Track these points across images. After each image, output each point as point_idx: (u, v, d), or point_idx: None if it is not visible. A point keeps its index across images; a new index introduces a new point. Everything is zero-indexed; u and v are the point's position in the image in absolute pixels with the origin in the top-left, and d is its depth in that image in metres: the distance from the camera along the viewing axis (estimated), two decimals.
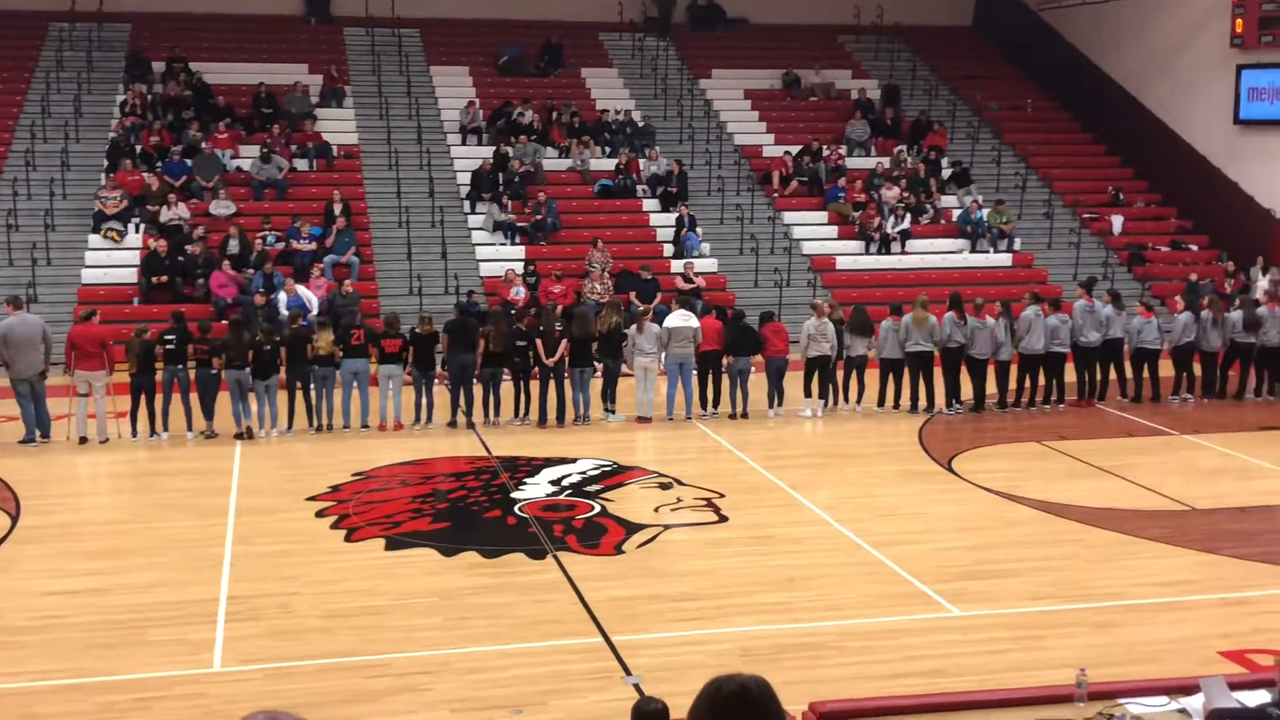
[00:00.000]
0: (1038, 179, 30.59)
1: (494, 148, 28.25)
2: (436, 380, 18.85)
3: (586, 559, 12.89)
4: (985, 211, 28.08)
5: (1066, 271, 27.11)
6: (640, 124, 30.11)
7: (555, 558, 12.86)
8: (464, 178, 27.92)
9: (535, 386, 18.90)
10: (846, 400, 19.65)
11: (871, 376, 19.65)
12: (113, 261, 24.91)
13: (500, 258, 25.98)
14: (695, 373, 19.28)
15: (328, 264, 24.62)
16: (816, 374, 19.29)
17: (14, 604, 11.68)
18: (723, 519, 14.28)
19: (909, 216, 27.91)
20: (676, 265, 25.82)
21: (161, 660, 10.37)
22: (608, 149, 29.38)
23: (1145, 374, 20.42)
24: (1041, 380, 19.93)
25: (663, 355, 19.30)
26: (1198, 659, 10.13)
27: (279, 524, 14.10)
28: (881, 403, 19.64)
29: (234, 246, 24.43)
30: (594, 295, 24.17)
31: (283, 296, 22.68)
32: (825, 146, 29.81)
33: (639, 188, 28.38)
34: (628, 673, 10.06)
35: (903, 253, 27.50)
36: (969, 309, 19.54)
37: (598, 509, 14.59)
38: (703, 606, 11.57)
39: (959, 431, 18.71)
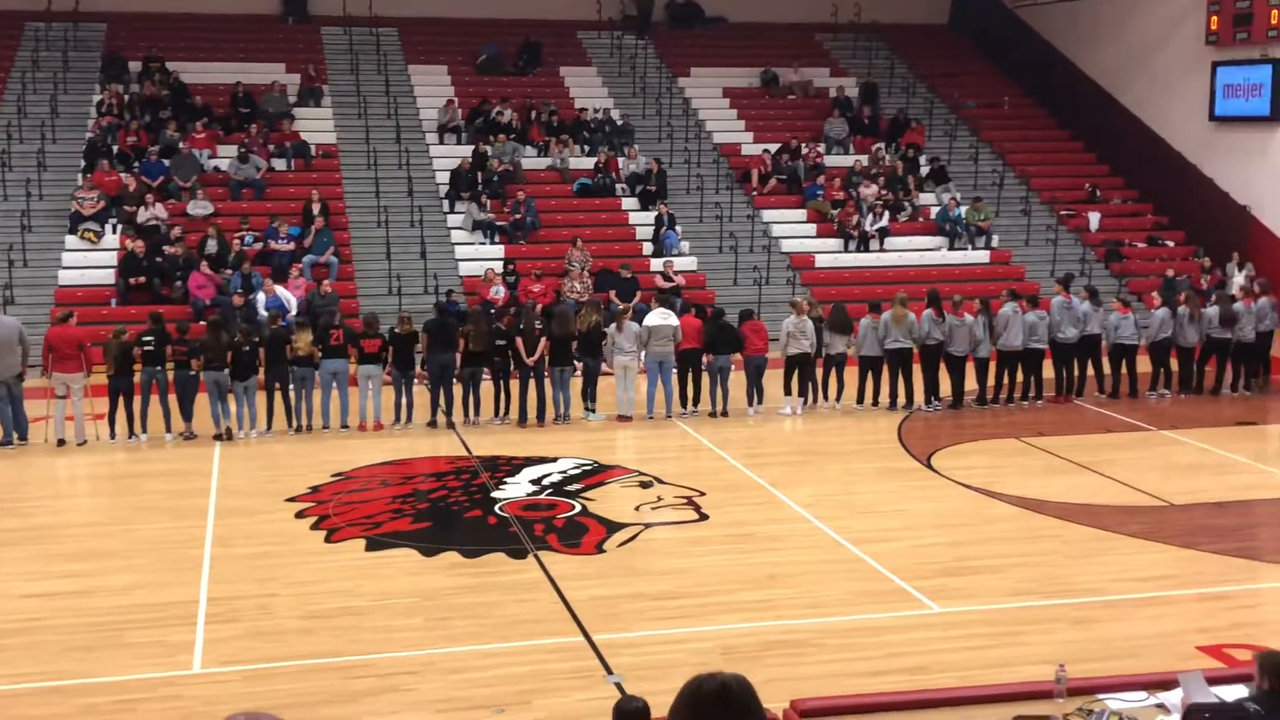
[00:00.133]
0: (1015, 176, 30.69)
1: (473, 147, 28.21)
2: (416, 380, 18.83)
3: (567, 558, 12.89)
4: (963, 209, 28.16)
5: (1044, 268, 27.21)
6: (619, 122, 30.11)
7: (536, 557, 12.87)
8: (443, 177, 27.88)
9: (515, 386, 18.90)
10: (826, 398, 19.69)
11: (850, 374, 19.69)
12: (90, 262, 24.80)
13: (479, 257, 25.95)
14: (675, 371, 19.30)
15: (306, 264, 24.57)
16: (796, 372, 19.33)
17: None
18: (703, 517, 14.30)
19: (887, 214, 27.97)
20: (656, 264, 25.83)
21: (141, 662, 10.34)
22: (587, 148, 29.37)
23: (1123, 370, 20.51)
24: (1020, 377, 20.00)
25: (642, 354, 19.32)
26: (1176, 654, 10.19)
27: (259, 525, 14.08)
28: (861, 400, 19.69)
29: (212, 247, 24.34)
30: (574, 294, 24.18)
31: (261, 297, 22.62)
32: (804, 144, 29.85)
33: (618, 186, 28.39)
34: (609, 671, 10.08)
35: (881, 250, 27.56)
36: (947, 306, 19.61)
37: (578, 508, 14.60)
38: (684, 605, 11.59)
39: (938, 428, 18.77)
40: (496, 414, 18.84)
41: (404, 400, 18.54)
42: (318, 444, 17.78)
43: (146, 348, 17.78)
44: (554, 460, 16.75)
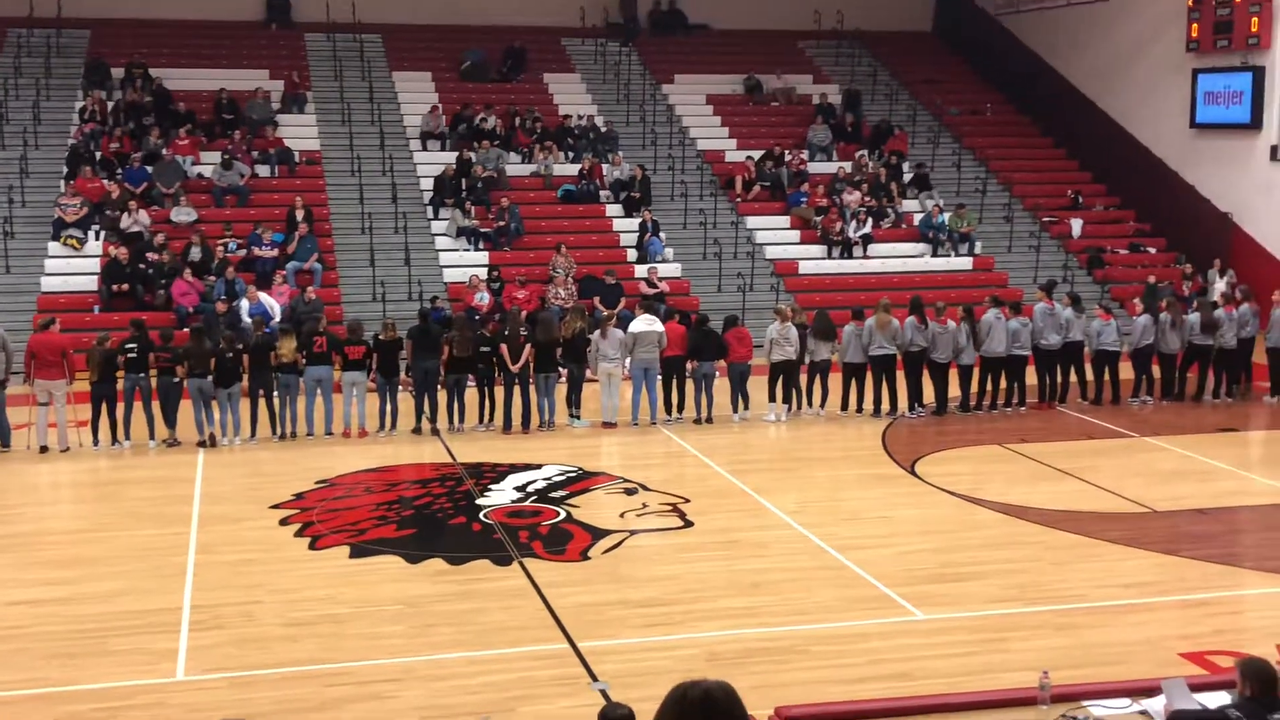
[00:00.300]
0: (998, 183, 30.80)
1: (457, 153, 28.21)
2: (401, 387, 18.82)
3: (552, 565, 12.89)
4: (946, 215, 28.24)
5: (1027, 275, 27.29)
6: (603, 129, 30.14)
7: (521, 564, 12.86)
8: (427, 183, 27.87)
9: (500, 392, 18.89)
10: (810, 405, 19.72)
11: (834, 381, 19.72)
12: (73, 269, 24.73)
13: (464, 263, 25.93)
14: (660, 378, 19.31)
15: (290, 271, 24.53)
16: (781, 379, 19.36)
17: None
18: (688, 524, 14.31)
19: (871, 221, 28.04)
20: (640, 270, 25.85)
21: (125, 670, 10.32)
22: (571, 154, 29.40)
23: (1105, 376, 20.57)
24: (1003, 383, 20.05)
25: (627, 360, 19.33)
26: (1159, 661, 10.23)
27: (242, 532, 14.04)
28: (845, 407, 19.72)
29: (195, 254, 24.29)
30: (558, 300, 24.18)
31: (245, 304, 22.56)
32: (787, 151, 29.91)
33: (602, 193, 28.42)
34: (594, 679, 10.07)
35: (865, 257, 27.63)
36: (930, 313, 19.65)
37: (563, 515, 14.60)
38: (669, 612, 11.59)
39: (922, 435, 18.81)
40: (481, 420, 18.83)
41: (388, 407, 18.52)
42: (302, 451, 17.75)
43: (130, 355, 17.74)
44: (539, 467, 16.74)
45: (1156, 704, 7.50)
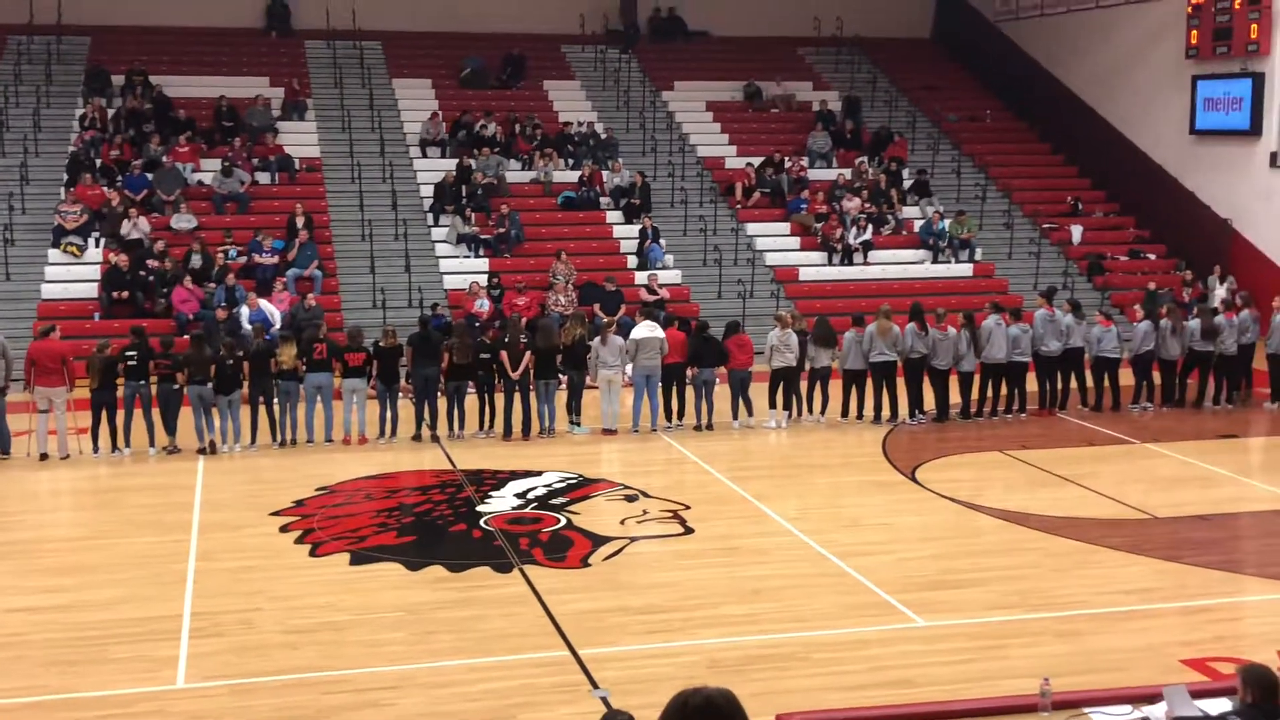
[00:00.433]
0: (997, 189, 30.82)
1: (456, 160, 28.23)
2: (401, 394, 18.81)
3: (553, 572, 12.88)
4: (947, 222, 28.25)
5: (1027, 281, 27.31)
6: (603, 136, 30.16)
7: (521, 571, 12.85)
8: (427, 190, 27.88)
9: (500, 399, 18.89)
10: (810, 411, 19.71)
11: (834, 387, 19.71)
12: (73, 276, 24.74)
13: (464, 270, 25.94)
14: (660, 384, 19.30)
15: (290, 278, 24.54)
16: (781, 385, 19.36)
17: None
18: (688, 531, 14.30)
19: (871, 227, 28.05)
20: (640, 277, 25.86)
21: (125, 677, 10.30)
22: (571, 161, 29.41)
23: (1105, 383, 20.56)
24: (1003, 390, 20.05)
25: (628, 367, 19.32)
26: (1160, 667, 10.21)
27: (243, 539, 14.03)
28: (845, 413, 19.71)
29: (196, 261, 24.30)
30: (558, 307, 24.18)
31: (245, 311, 22.58)
32: (787, 158, 29.95)
33: (602, 200, 28.43)
34: (595, 686, 10.06)
35: (865, 263, 27.63)
36: (930, 319, 19.65)
37: (564, 522, 14.59)
38: (670, 619, 11.58)
39: (922, 442, 18.80)
40: (481, 427, 18.82)
41: (388, 414, 18.51)
42: (302, 458, 17.74)
43: (130, 362, 17.73)
44: (539, 474, 16.73)
45: (1158, 711, 7.51)
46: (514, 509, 15.17)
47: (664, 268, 26.54)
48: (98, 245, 25.15)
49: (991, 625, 11.42)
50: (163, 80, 29.65)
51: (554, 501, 15.45)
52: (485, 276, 25.36)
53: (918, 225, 28.75)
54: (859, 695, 9.75)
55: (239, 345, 18.70)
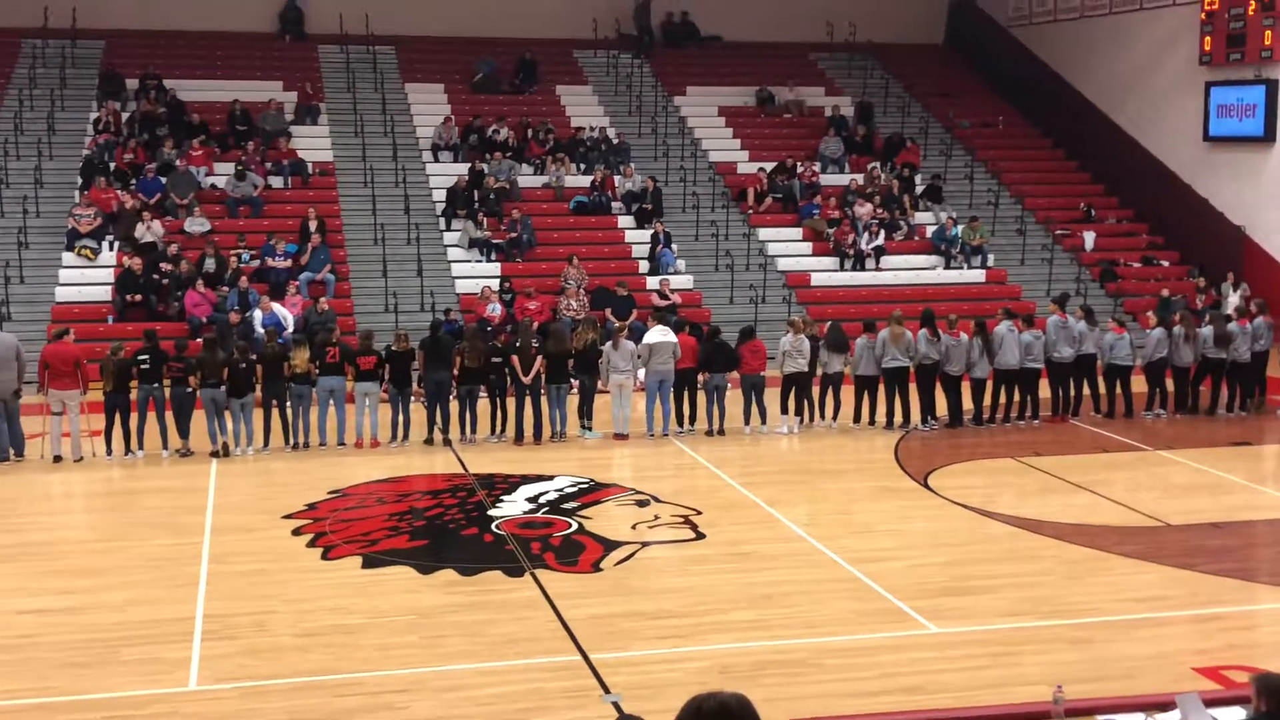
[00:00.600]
0: (1010, 195, 30.78)
1: (469, 165, 28.27)
2: (413, 397, 18.83)
3: (564, 576, 12.88)
4: (959, 228, 28.22)
5: (1039, 287, 27.25)
6: (615, 141, 30.18)
7: (533, 575, 12.85)
8: (439, 195, 27.93)
9: (511, 404, 18.90)
10: (823, 417, 19.69)
11: (847, 393, 19.69)
12: (87, 279, 24.81)
13: (476, 275, 25.97)
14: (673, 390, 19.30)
15: (303, 281, 24.58)
16: (793, 390, 19.34)
17: None
18: (700, 536, 14.29)
19: (883, 233, 28.03)
20: (652, 282, 25.87)
21: (136, 679, 10.32)
22: (583, 166, 29.44)
23: (1118, 390, 20.51)
24: (1016, 396, 20.01)
25: (640, 372, 19.32)
26: (1173, 676, 10.17)
27: (255, 542, 14.06)
28: (857, 419, 19.68)
29: (209, 264, 24.36)
30: (569, 312, 24.20)
31: (258, 314, 22.63)
32: (799, 163, 29.94)
33: (614, 204, 28.44)
34: (606, 691, 10.06)
35: (877, 269, 27.61)
36: (942, 325, 19.62)
37: (575, 526, 14.59)
38: (681, 624, 11.57)
39: (934, 448, 18.77)
40: (493, 432, 18.84)
41: (401, 418, 18.53)
42: (314, 461, 17.77)
43: (143, 365, 17.78)
44: (550, 478, 16.74)
45: (1171, 719, 7.48)
46: (525, 513, 15.17)
47: (676, 273, 26.54)
48: (111, 249, 25.21)
49: (1004, 632, 11.40)
50: (176, 84, 29.73)
51: (565, 506, 15.45)
52: (497, 281, 25.38)
53: (930, 231, 28.72)
54: (870, 702, 9.73)
55: (252, 349, 18.73)
